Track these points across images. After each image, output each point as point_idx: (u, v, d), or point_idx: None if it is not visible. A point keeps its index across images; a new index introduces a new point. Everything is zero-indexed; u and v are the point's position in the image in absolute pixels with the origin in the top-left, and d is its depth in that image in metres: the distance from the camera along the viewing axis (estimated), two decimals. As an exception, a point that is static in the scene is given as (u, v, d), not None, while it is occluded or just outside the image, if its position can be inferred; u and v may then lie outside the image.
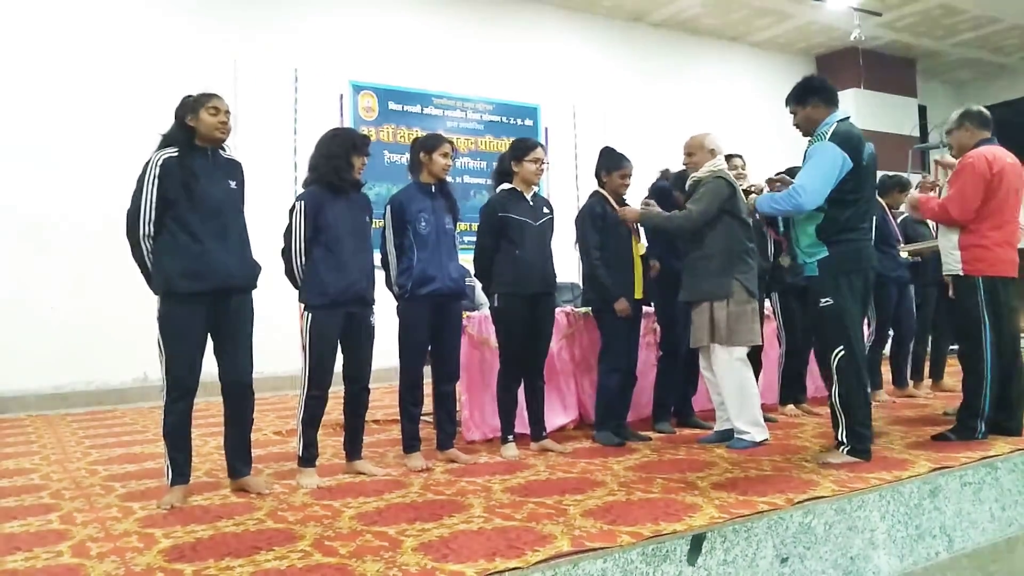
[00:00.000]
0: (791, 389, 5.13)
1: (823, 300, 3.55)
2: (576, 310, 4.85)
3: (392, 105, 8.82)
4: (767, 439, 4.01)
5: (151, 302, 7.39)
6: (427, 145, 3.85)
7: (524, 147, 4.11)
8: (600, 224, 4.25)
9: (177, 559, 2.43)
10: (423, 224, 3.76)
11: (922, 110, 12.92)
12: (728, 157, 4.83)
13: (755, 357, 4.58)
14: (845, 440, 3.53)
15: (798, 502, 2.86)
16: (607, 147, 4.58)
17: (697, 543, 2.54)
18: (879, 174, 4.39)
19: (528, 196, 4.08)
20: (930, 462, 3.42)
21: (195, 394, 3.25)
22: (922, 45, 11.91)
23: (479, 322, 4.47)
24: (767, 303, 5.02)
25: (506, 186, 4.12)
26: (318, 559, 2.37)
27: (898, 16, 10.72)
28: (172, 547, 2.56)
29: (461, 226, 5.48)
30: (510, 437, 4.04)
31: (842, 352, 3.51)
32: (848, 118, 3.63)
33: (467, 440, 4.35)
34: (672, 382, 4.64)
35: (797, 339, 5.03)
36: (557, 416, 4.59)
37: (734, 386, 4.01)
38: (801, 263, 3.69)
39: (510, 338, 3.99)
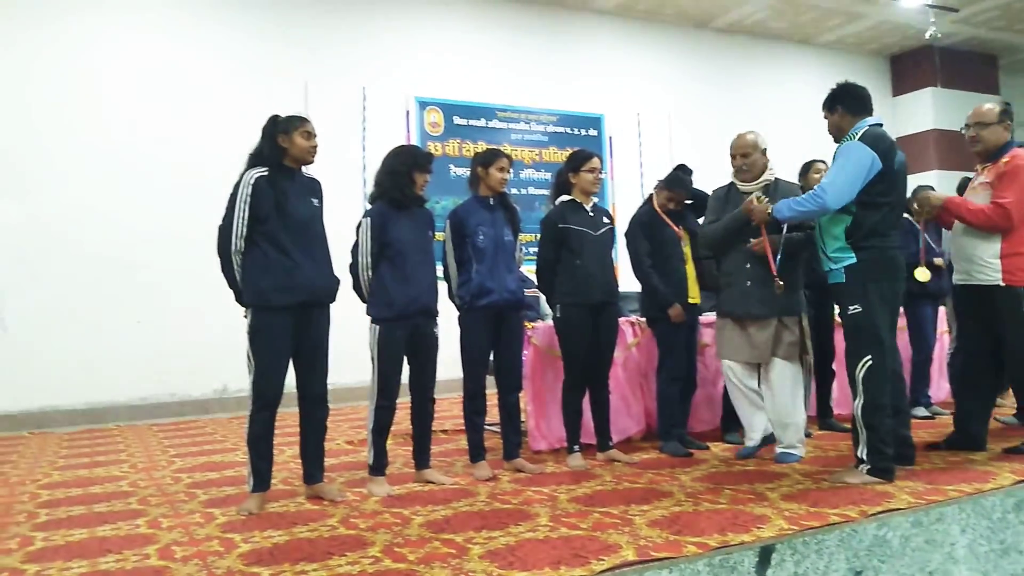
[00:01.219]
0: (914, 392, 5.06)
1: (851, 308, 3.39)
2: (640, 320, 4.83)
3: (457, 120, 8.96)
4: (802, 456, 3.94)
5: (230, 316, 7.64)
6: (484, 160, 3.93)
7: (580, 158, 4.15)
8: (648, 232, 4.28)
9: (255, 563, 2.53)
10: (481, 237, 3.83)
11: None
12: (811, 163, 4.83)
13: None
14: (865, 458, 3.32)
15: (872, 514, 2.79)
16: (681, 165, 4.60)
17: (766, 555, 2.51)
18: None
19: (587, 207, 4.11)
20: (1014, 474, 3.29)
21: (279, 404, 3.37)
22: (1002, 40, 11.43)
23: (544, 332, 4.50)
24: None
25: (565, 198, 4.15)
26: (388, 565, 2.44)
27: (976, 11, 10.33)
28: (251, 551, 2.67)
29: (526, 237, 5.54)
30: (576, 447, 4.05)
31: (869, 362, 3.34)
32: (881, 125, 3.49)
33: (533, 450, 4.39)
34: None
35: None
36: (623, 426, 4.58)
37: (798, 402, 3.92)
38: (826, 269, 3.52)
39: (573, 348, 4.01)
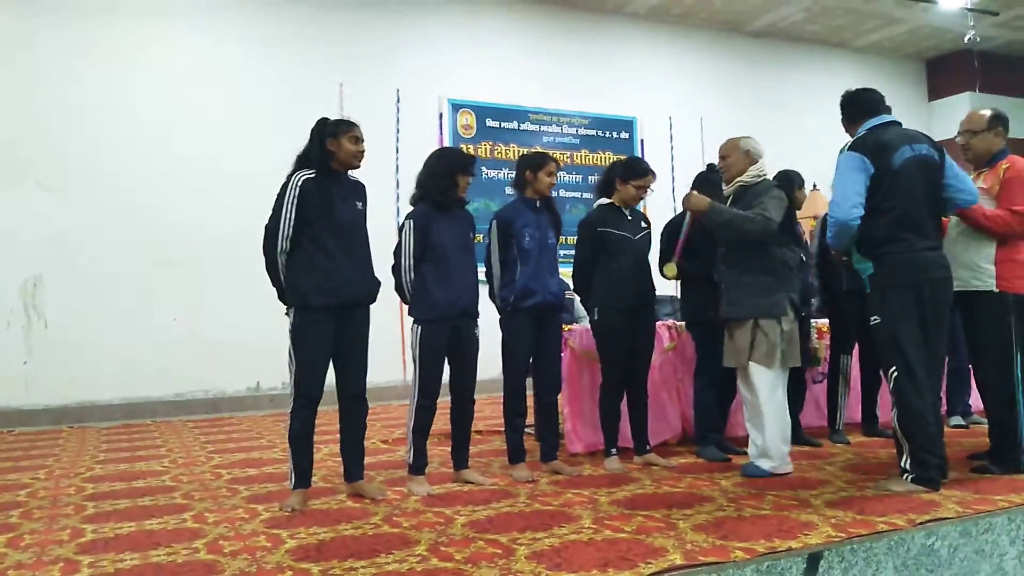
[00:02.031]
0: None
1: (872, 318, 3.35)
2: (677, 323, 4.82)
3: (490, 122, 8.99)
4: (790, 472, 3.72)
5: (264, 315, 7.74)
6: (533, 163, 3.94)
7: (636, 170, 4.10)
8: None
9: (303, 559, 2.56)
10: (527, 239, 3.84)
11: (1045, 113, 12.18)
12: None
13: (797, 380, 4.38)
14: (908, 467, 3.26)
15: (920, 523, 2.76)
16: (711, 165, 4.55)
17: (814, 562, 2.49)
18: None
19: (626, 211, 4.11)
20: (1065, 485, 3.23)
21: (319, 402, 3.40)
22: (1044, 44, 11.26)
23: (580, 335, 4.51)
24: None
25: (604, 201, 4.15)
26: (435, 563, 2.46)
27: (1017, 15, 10.17)
28: (298, 547, 2.70)
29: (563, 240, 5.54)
30: (613, 450, 4.05)
31: (896, 373, 3.27)
32: (887, 125, 3.41)
33: (570, 452, 4.39)
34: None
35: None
36: (660, 430, 4.57)
37: (774, 410, 3.72)
38: (862, 280, 3.46)
39: (611, 351, 4.01)
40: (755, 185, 3.83)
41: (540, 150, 4.25)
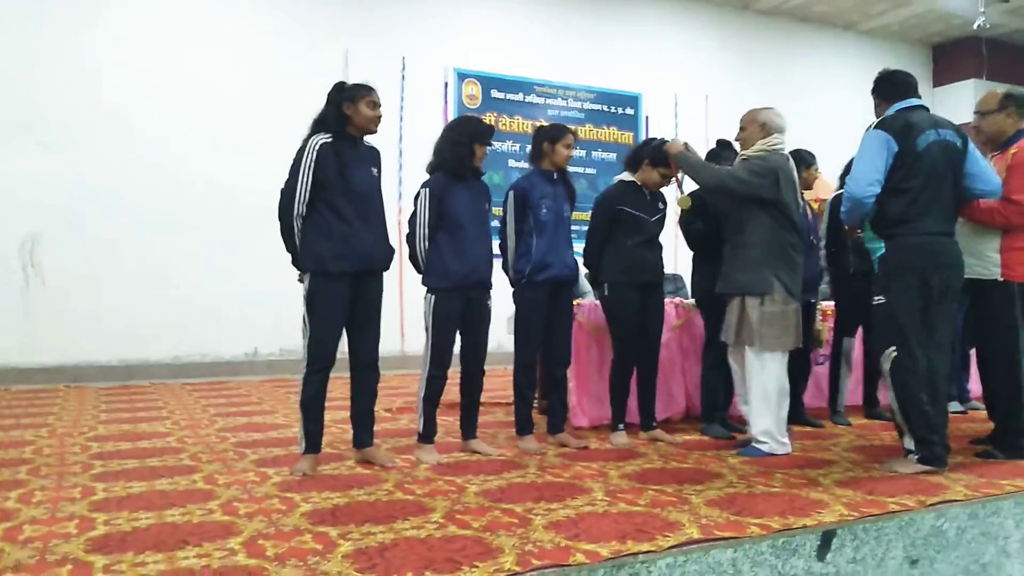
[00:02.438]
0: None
1: (876, 298, 3.35)
2: (685, 301, 4.82)
3: (495, 93, 8.91)
4: (788, 452, 3.70)
5: (265, 281, 7.73)
6: (552, 135, 3.90)
7: (661, 160, 4.04)
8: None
9: (320, 522, 2.56)
10: (544, 211, 3.82)
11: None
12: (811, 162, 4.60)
13: (801, 361, 4.40)
14: (913, 448, 3.28)
15: (930, 504, 2.79)
16: (721, 140, 4.52)
17: (827, 539, 2.52)
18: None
19: (646, 191, 4.09)
20: (1069, 472, 3.27)
21: (332, 368, 3.38)
22: (1052, 33, 11.23)
23: (589, 310, 4.51)
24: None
25: (627, 177, 4.13)
26: (454, 531, 2.47)
27: (1027, 2, 10.13)
28: (313, 511, 2.70)
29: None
30: (621, 425, 4.07)
31: (895, 354, 3.27)
32: (916, 108, 3.38)
33: (574, 426, 4.40)
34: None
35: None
36: (664, 406, 4.58)
37: (759, 392, 3.69)
38: (871, 260, 3.46)
39: (623, 326, 4.02)
40: (751, 159, 3.75)
41: (558, 123, 4.15)
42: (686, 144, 3.95)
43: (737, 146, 4.04)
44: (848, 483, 3.11)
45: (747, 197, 3.69)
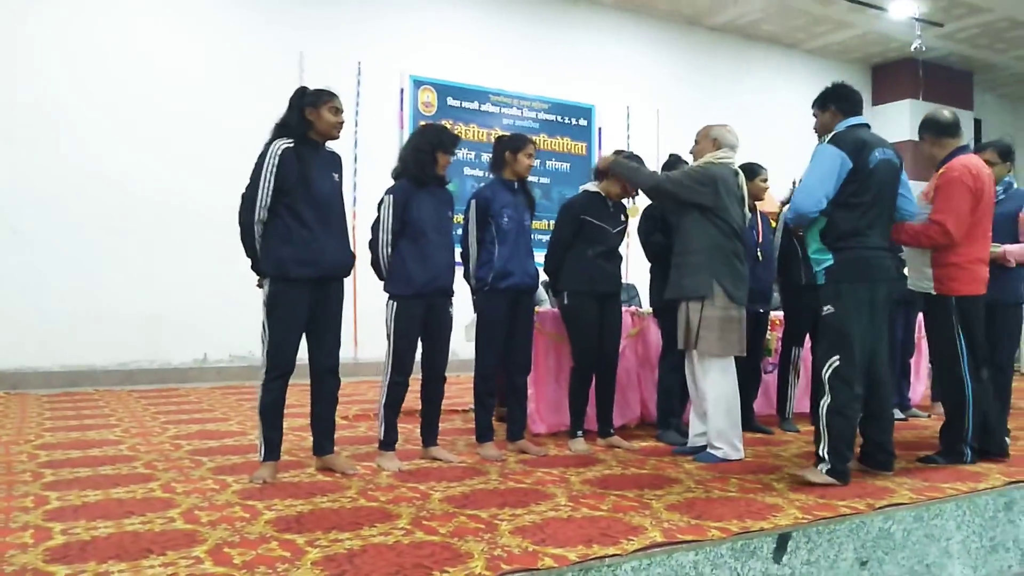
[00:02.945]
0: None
1: (825, 308, 3.40)
2: (640, 310, 4.92)
3: (451, 101, 8.94)
4: (741, 458, 3.79)
5: (213, 287, 7.62)
6: (513, 145, 3.96)
7: (601, 176, 4.20)
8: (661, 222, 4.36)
9: (285, 529, 2.55)
10: (505, 220, 3.87)
11: (977, 123, 12.79)
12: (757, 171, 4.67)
13: (751, 369, 4.54)
14: (826, 457, 3.28)
15: (878, 507, 2.91)
16: (674, 154, 4.66)
17: (783, 542, 2.61)
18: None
19: (610, 203, 4.17)
20: (1005, 475, 3.44)
21: (291, 374, 3.36)
22: (981, 57, 11.77)
23: (548, 318, 4.56)
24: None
25: (591, 188, 4.21)
26: (421, 536, 2.48)
27: (960, 27, 10.62)
28: (277, 518, 2.68)
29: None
30: (580, 432, 4.12)
31: (836, 363, 3.30)
32: (863, 126, 3.48)
33: (533, 433, 4.45)
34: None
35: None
36: (620, 413, 4.65)
37: (712, 398, 3.79)
38: (814, 272, 3.52)
39: (583, 335, 4.08)
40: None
41: (517, 133, 4.21)
42: (616, 151, 4.21)
43: (690, 159, 4.16)
44: (801, 488, 3.21)
45: (684, 201, 3.82)
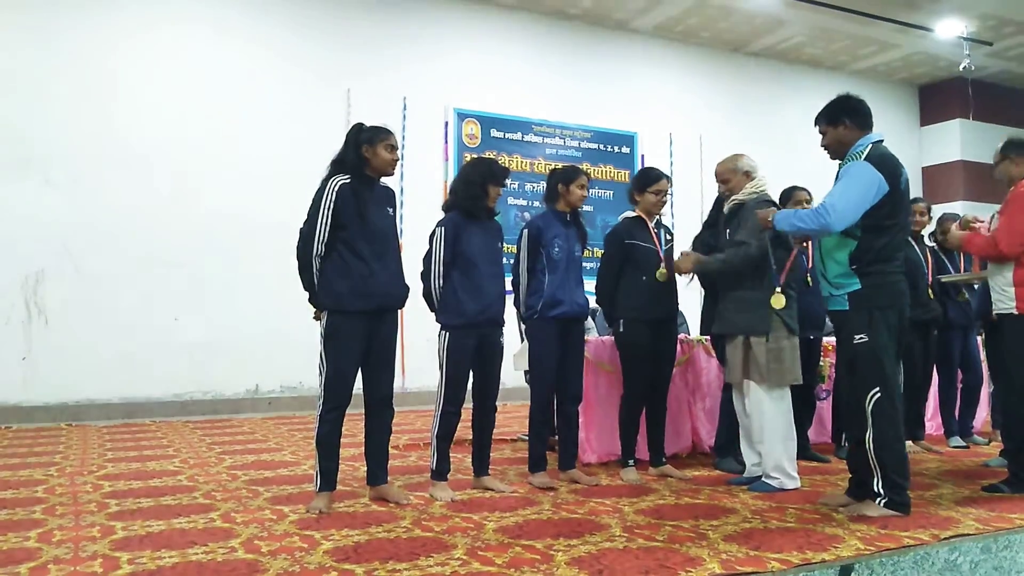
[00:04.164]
0: (909, 425, 5.00)
1: (857, 337, 3.24)
2: (690, 337, 4.89)
3: (494, 132, 9.06)
4: (798, 487, 3.74)
5: (265, 318, 7.76)
6: (566, 177, 4.01)
7: (647, 178, 4.23)
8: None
9: (344, 560, 2.58)
10: (556, 249, 3.91)
11: (1033, 141, 12.47)
12: (793, 189, 4.69)
13: (805, 397, 4.43)
14: (881, 491, 3.17)
15: (944, 538, 2.83)
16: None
17: (846, 573, 2.55)
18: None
19: (651, 224, 4.18)
20: (1077, 506, 3.32)
21: (348, 405, 3.42)
22: (1034, 74, 11.54)
23: (596, 346, 4.56)
24: None
25: (629, 214, 4.22)
26: (478, 567, 2.49)
27: (1009, 45, 10.42)
28: (335, 548, 2.72)
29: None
30: (631, 461, 4.10)
31: (878, 394, 3.19)
32: (882, 141, 3.36)
33: (583, 462, 4.43)
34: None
35: (916, 375, 4.94)
36: (671, 442, 4.61)
37: (769, 428, 3.75)
38: (825, 294, 3.41)
39: (636, 363, 4.07)
40: (747, 204, 3.87)
41: (570, 165, 4.26)
42: (684, 253, 4.04)
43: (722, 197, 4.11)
44: (862, 518, 3.14)
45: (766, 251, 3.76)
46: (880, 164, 3.25)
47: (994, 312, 3.80)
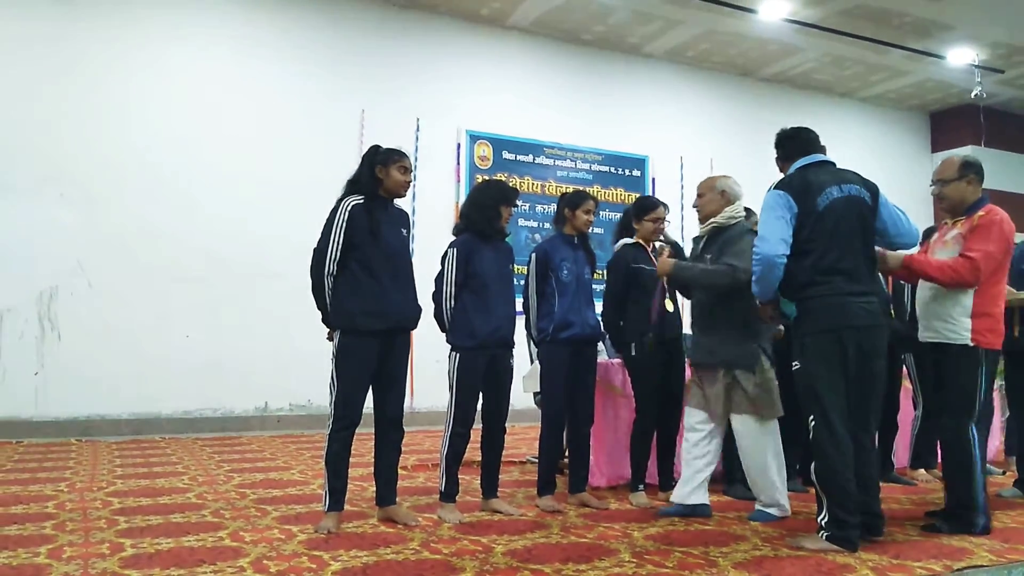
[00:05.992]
0: (924, 453, 4.98)
1: (793, 364, 3.22)
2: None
3: (506, 154, 9.12)
4: (787, 516, 3.65)
5: (276, 336, 7.80)
6: (572, 202, 4.06)
7: (646, 206, 4.26)
8: None
9: (352, 581, 2.58)
10: (565, 272, 3.93)
11: (1041, 169, 12.46)
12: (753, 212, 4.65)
13: (795, 427, 4.36)
14: (824, 524, 3.08)
15: (956, 569, 2.80)
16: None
17: (857, 603, 2.53)
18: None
19: (649, 250, 4.20)
20: (1090, 537, 3.29)
21: (358, 425, 3.42)
22: (1045, 102, 11.54)
23: (605, 369, 4.55)
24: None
25: (628, 241, 4.25)
26: (487, 591, 2.48)
27: (1022, 73, 10.44)
28: (343, 569, 2.72)
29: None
30: (641, 486, 4.08)
31: (814, 423, 3.11)
32: (815, 165, 3.30)
33: (592, 485, 4.40)
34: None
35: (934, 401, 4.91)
36: (677, 468, 4.59)
37: (761, 459, 3.64)
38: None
39: (649, 387, 4.06)
40: (729, 228, 3.77)
41: (578, 190, 4.29)
42: (672, 258, 3.90)
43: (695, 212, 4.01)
44: (873, 547, 3.11)
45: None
46: (789, 186, 3.23)
47: (928, 340, 3.54)
